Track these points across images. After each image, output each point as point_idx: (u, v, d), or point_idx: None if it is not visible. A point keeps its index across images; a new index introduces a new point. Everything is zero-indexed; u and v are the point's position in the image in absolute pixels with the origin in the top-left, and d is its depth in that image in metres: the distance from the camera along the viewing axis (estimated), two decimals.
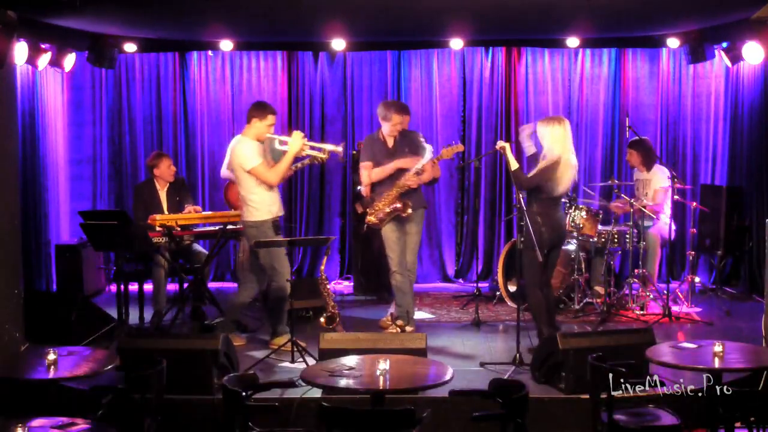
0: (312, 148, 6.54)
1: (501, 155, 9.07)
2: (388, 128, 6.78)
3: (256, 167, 6.28)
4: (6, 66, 6.15)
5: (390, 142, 6.86)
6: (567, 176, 6.23)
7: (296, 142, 6.33)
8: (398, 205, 6.72)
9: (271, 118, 6.40)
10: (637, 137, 7.99)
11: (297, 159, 6.94)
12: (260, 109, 6.44)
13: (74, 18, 6.98)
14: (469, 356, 6.36)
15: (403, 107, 6.94)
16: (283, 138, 6.51)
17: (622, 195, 7.82)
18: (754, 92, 8.25)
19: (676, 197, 7.58)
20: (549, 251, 6.33)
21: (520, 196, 6.33)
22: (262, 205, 6.35)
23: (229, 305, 6.77)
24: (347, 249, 9.38)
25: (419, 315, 7.48)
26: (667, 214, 7.79)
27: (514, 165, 6.33)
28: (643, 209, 7.59)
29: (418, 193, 6.87)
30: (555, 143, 6.20)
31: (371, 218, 6.82)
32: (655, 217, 7.84)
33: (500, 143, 6.38)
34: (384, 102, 7.25)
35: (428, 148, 6.79)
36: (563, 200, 6.79)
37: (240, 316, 6.92)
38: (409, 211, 6.72)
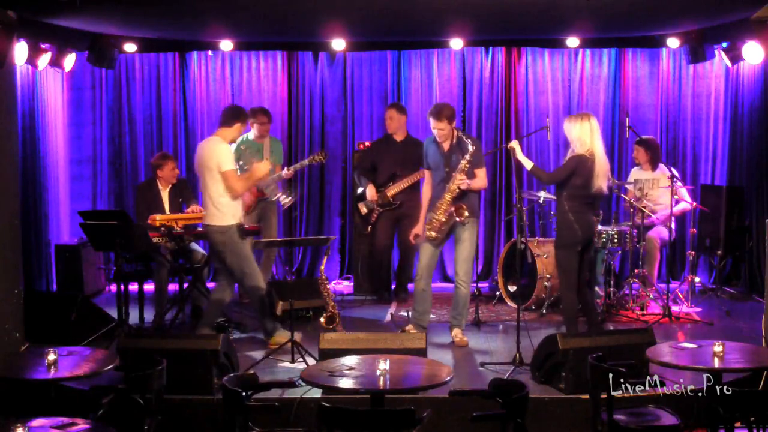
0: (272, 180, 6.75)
1: (501, 155, 9.14)
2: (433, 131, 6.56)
3: (230, 171, 6.22)
4: (6, 66, 6.16)
5: (446, 146, 6.53)
6: (602, 173, 6.10)
7: (263, 171, 6.47)
8: (451, 209, 6.43)
9: (245, 125, 6.54)
10: (642, 136, 8.01)
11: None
12: (244, 115, 6.53)
13: (74, 18, 6.97)
14: (469, 356, 6.36)
15: (437, 112, 6.48)
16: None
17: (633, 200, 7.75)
18: (754, 92, 8.25)
19: (675, 197, 7.58)
20: (583, 251, 6.29)
21: (521, 196, 6.34)
22: (229, 209, 6.27)
23: (208, 307, 6.68)
24: (347, 249, 9.38)
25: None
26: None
27: (528, 164, 6.29)
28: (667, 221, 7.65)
29: (472, 201, 6.57)
30: (584, 137, 6.10)
31: (431, 233, 6.50)
32: (654, 216, 7.83)
33: (511, 144, 6.33)
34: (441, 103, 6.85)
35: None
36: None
37: (219, 315, 6.81)
38: (466, 214, 6.40)
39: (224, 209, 6.27)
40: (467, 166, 6.40)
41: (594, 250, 7.76)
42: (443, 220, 6.47)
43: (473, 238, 6.60)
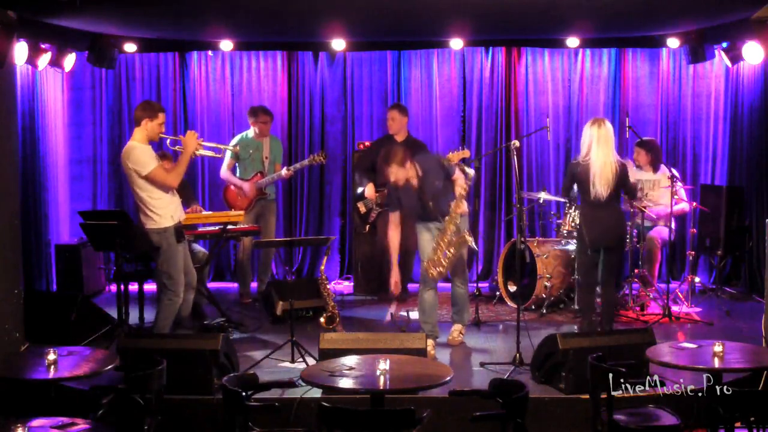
0: (206, 147, 6.55)
1: (501, 155, 9.13)
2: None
3: (153, 171, 6.03)
4: (6, 66, 6.15)
5: (414, 183, 6.41)
6: (599, 178, 6.23)
7: (191, 142, 6.19)
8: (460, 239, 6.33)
9: (161, 117, 6.18)
10: (643, 137, 8.01)
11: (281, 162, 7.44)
12: (149, 108, 6.21)
13: (74, 18, 6.97)
14: (469, 356, 6.36)
15: (386, 157, 6.34)
16: (176, 138, 6.38)
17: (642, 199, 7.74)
18: (754, 92, 8.25)
19: (675, 197, 7.57)
20: (604, 253, 6.41)
21: (521, 196, 6.34)
22: (165, 210, 6.12)
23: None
24: (347, 249, 9.38)
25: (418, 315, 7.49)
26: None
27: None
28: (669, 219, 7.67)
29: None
30: (583, 144, 6.34)
31: (440, 270, 6.37)
32: (656, 217, 7.84)
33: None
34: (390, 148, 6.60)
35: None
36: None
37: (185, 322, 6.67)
38: (471, 238, 6.32)
39: (160, 211, 6.11)
40: (464, 192, 6.24)
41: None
42: (452, 254, 6.30)
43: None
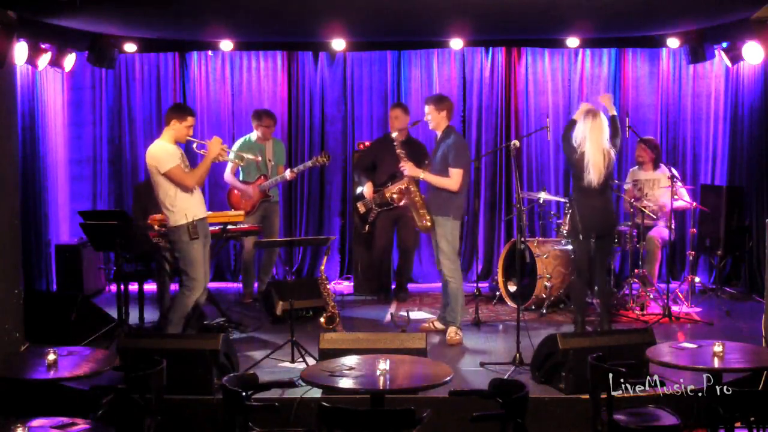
0: (230, 154, 6.67)
1: (501, 155, 9.13)
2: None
3: (171, 169, 6.05)
4: (6, 66, 6.16)
5: (438, 139, 6.86)
6: (591, 168, 6.40)
7: (214, 148, 6.23)
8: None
9: (190, 120, 6.21)
10: (643, 137, 8.03)
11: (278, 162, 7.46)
12: (179, 110, 6.25)
13: (74, 18, 6.97)
14: (469, 356, 6.36)
15: (428, 97, 7.12)
16: (203, 142, 6.39)
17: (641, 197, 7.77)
18: (754, 92, 8.25)
19: (675, 197, 7.57)
20: (595, 241, 6.50)
21: (521, 196, 6.36)
22: (179, 208, 6.12)
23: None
24: (347, 249, 9.38)
25: (419, 315, 7.50)
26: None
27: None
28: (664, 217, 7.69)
29: (441, 198, 6.63)
30: (577, 135, 6.47)
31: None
32: (656, 217, 7.84)
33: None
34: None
35: None
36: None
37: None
38: (410, 198, 6.89)
39: (174, 208, 6.13)
40: (402, 151, 6.92)
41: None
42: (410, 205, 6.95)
43: (445, 235, 6.62)
